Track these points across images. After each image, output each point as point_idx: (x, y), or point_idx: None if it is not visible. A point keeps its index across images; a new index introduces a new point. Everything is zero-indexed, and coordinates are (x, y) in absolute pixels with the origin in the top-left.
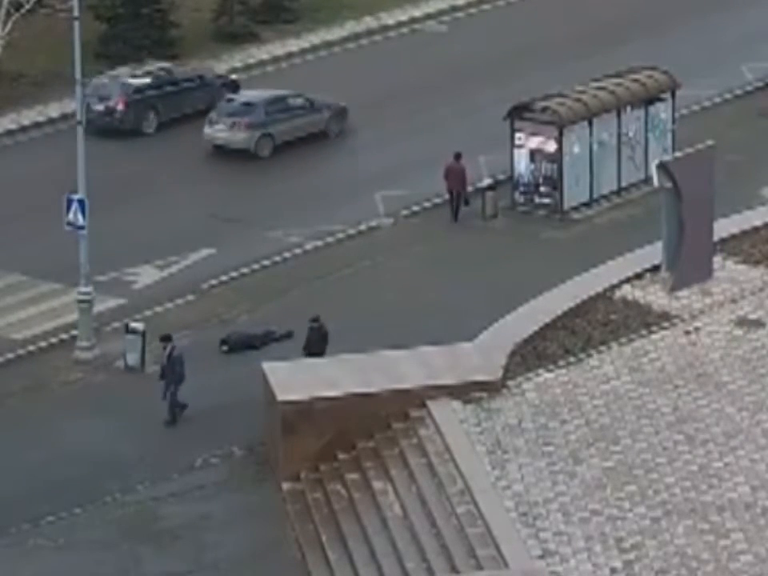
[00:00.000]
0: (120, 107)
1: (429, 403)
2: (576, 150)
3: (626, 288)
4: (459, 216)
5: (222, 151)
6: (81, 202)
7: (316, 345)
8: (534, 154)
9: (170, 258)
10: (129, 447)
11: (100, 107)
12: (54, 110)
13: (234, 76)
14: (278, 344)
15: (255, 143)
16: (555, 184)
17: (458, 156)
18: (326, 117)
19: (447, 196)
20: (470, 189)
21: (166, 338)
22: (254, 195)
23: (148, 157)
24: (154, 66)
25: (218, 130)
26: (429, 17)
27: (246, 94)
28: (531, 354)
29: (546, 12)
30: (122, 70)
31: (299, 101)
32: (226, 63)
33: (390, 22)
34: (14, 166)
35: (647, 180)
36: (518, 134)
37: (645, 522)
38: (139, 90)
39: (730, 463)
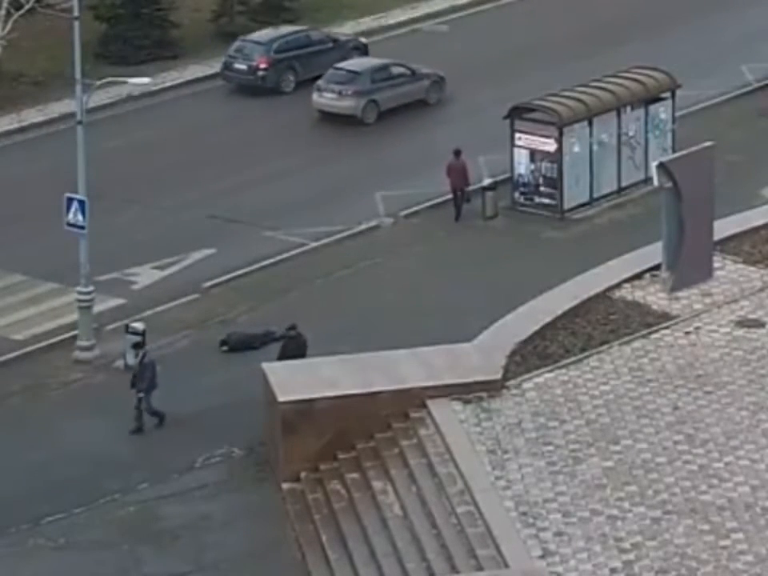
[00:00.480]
0: (262, 66)
1: (429, 403)
2: (576, 149)
3: (626, 288)
4: (461, 213)
5: (330, 117)
6: (81, 202)
7: (293, 354)
8: (533, 154)
9: (170, 258)
10: (129, 447)
11: (243, 66)
12: (54, 110)
13: (363, 39)
14: (278, 344)
15: (362, 110)
16: (555, 184)
17: (457, 152)
18: (426, 85)
19: (451, 194)
20: (471, 186)
21: (138, 345)
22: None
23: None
24: (292, 28)
25: (326, 98)
26: (429, 17)
27: (352, 63)
28: (531, 354)
29: (545, 12)
30: (264, 32)
31: (401, 69)
32: (350, 28)
33: (390, 22)
34: (14, 165)
35: (647, 180)
36: (517, 134)
37: (645, 522)
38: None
39: (730, 463)
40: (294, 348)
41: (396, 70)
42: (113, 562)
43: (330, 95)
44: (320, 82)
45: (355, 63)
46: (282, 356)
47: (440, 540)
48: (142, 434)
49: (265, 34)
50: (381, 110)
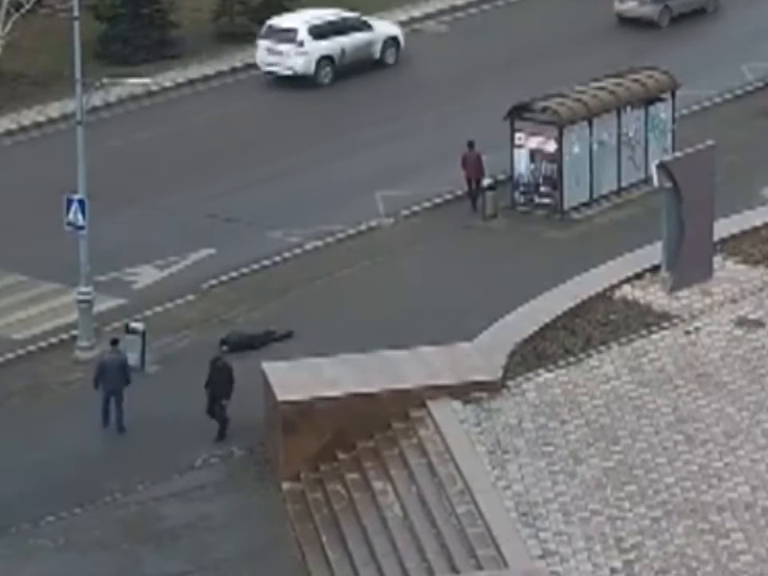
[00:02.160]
0: None
1: (429, 403)
2: (576, 150)
3: (626, 288)
4: (476, 205)
5: (628, 22)
6: (81, 201)
7: (224, 386)
8: (533, 154)
9: (170, 258)
10: (129, 447)
11: None
12: (54, 110)
13: None
14: (278, 344)
15: (658, 14)
16: (555, 184)
17: (471, 144)
18: None
19: (466, 186)
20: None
21: (114, 342)
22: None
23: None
24: None
25: (627, 5)
26: (429, 17)
27: None
28: (531, 354)
29: (545, 12)
30: None
31: None
32: None
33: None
34: (15, 166)
35: (647, 180)
36: (517, 134)
37: (645, 522)
38: None
39: (730, 463)
40: (220, 379)
41: None
42: (113, 562)
43: (631, 2)
44: None
45: None
46: (210, 384)
47: (440, 540)
48: (136, 435)
49: None
50: (673, 15)
